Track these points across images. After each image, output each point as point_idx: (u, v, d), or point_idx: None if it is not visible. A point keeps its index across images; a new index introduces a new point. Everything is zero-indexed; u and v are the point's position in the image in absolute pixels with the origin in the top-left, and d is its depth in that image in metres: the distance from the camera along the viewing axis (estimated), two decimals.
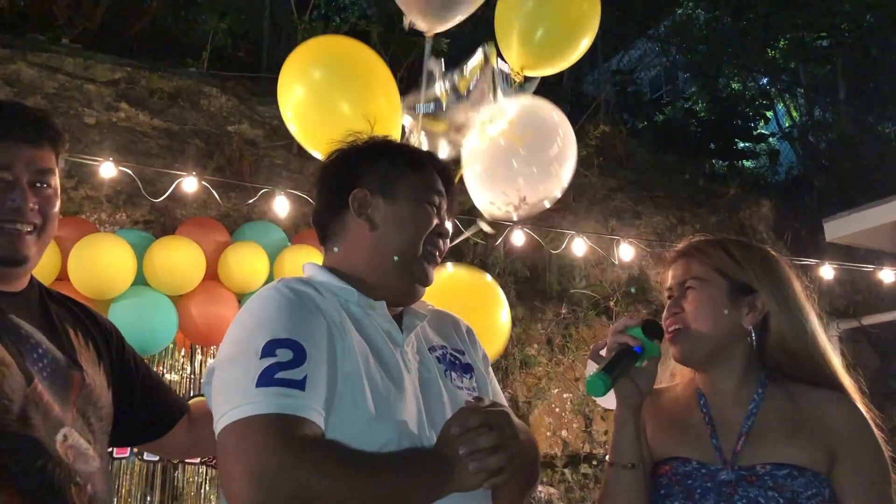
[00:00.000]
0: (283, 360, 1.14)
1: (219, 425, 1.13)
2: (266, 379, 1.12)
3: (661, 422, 1.52)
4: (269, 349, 1.15)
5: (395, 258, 1.35)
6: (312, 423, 1.13)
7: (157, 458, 4.03)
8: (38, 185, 1.38)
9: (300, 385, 1.13)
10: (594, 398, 5.05)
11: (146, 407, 1.57)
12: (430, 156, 1.50)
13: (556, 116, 2.57)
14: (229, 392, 1.14)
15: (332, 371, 1.19)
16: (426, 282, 1.40)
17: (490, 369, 1.51)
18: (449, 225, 1.45)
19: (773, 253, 1.60)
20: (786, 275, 1.55)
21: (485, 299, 2.86)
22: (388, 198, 1.37)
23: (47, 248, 1.45)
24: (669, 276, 1.57)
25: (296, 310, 1.21)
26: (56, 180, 1.43)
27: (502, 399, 1.49)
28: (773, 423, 1.46)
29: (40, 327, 1.39)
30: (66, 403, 1.35)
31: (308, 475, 1.09)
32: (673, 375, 1.63)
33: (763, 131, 9.69)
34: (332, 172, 1.44)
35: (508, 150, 2.46)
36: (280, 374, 1.13)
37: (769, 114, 9.74)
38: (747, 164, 9.29)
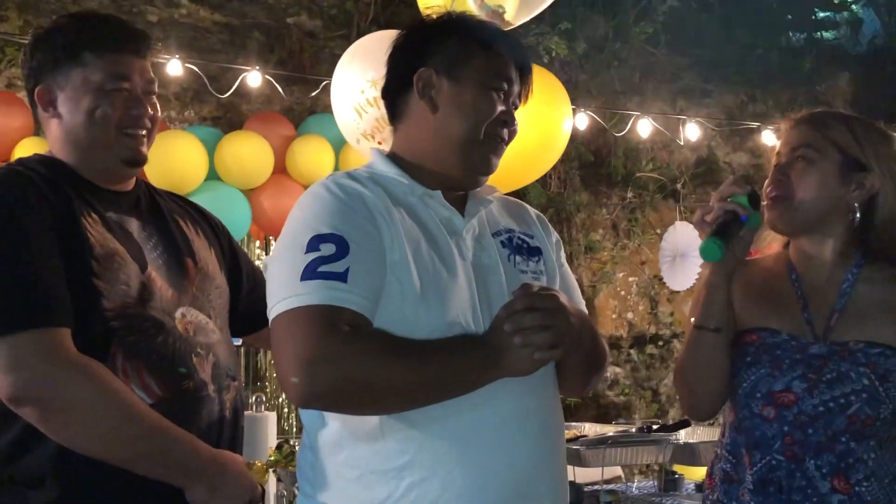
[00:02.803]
0: (325, 255, 1.18)
1: (270, 316, 1.21)
2: (310, 272, 1.17)
3: (750, 292, 1.50)
4: (313, 244, 1.19)
5: (456, 143, 1.33)
6: (356, 312, 1.18)
7: (239, 343, 4.27)
8: (147, 93, 1.50)
9: (342, 277, 1.17)
10: (665, 281, 5.06)
11: (251, 297, 1.66)
12: (507, 37, 1.42)
13: None
14: (278, 285, 1.21)
15: (380, 262, 1.22)
16: (487, 170, 1.37)
17: (562, 255, 1.49)
18: (518, 116, 1.39)
19: (891, 132, 1.54)
20: None
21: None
22: (452, 80, 1.33)
23: None
24: (780, 144, 1.52)
25: (340, 205, 1.24)
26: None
27: (573, 283, 1.48)
28: (868, 303, 1.46)
29: (152, 220, 1.52)
30: (183, 285, 1.48)
31: (350, 362, 1.14)
32: (767, 244, 1.59)
33: None
34: (402, 48, 1.40)
35: None
36: (323, 268, 1.17)
37: None
38: (826, 35, 8.78)
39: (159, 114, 1.55)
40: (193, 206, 1.69)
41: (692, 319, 1.47)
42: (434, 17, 1.42)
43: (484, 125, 1.33)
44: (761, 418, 1.44)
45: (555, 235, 1.50)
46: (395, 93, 1.39)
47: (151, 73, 1.52)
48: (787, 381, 1.43)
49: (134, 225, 1.48)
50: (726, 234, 1.36)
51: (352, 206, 1.25)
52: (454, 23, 1.40)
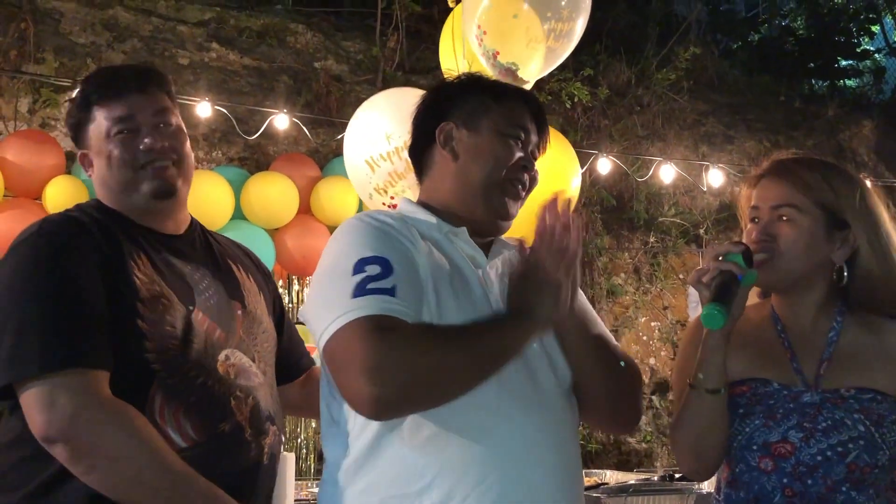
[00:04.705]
0: (372, 274, 1.23)
1: (323, 340, 1.23)
2: (360, 290, 1.22)
3: (736, 343, 1.46)
4: (359, 266, 1.24)
5: (476, 186, 1.40)
6: (408, 322, 1.22)
7: None
8: (161, 125, 1.51)
9: (391, 292, 1.22)
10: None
11: (283, 351, 1.68)
12: (522, 92, 1.51)
13: None
14: (328, 308, 1.23)
15: (419, 282, 1.28)
16: (506, 215, 1.42)
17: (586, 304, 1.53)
18: (537, 166, 1.46)
19: (863, 179, 1.57)
20: (877, 206, 1.52)
21: None
22: (471, 129, 1.41)
23: None
24: (756, 196, 1.52)
25: (377, 232, 1.31)
26: (175, 118, 1.56)
27: (600, 324, 1.53)
28: (855, 350, 1.46)
29: (205, 262, 1.55)
30: (231, 328, 1.50)
31: (414, 361, 1.18)
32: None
33: (868, 47, 9.11)
34: (424, 108, 1.49)
35: None
36: (371, 285, 1.22)
37: (875, 28, 9.13)
38: (849, 83, 8.80)
39: (186, 143, 1.55)
40: (246, 252, 1.72)
41: (689, 380, 1.44)
42: (453, 78, 1.52)
43: (503, 170, 1.40)
44: (759, 471, 1.42)
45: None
46: (420, 150, 1.48)
47: (163, 104, 1.53)
48: (782, 431, 1.41)
49: (186, 266, 1.50)
50: (726, 298, 1.35)
51: (387, 233, 1.31)
52: (470, 81, 1.50)
